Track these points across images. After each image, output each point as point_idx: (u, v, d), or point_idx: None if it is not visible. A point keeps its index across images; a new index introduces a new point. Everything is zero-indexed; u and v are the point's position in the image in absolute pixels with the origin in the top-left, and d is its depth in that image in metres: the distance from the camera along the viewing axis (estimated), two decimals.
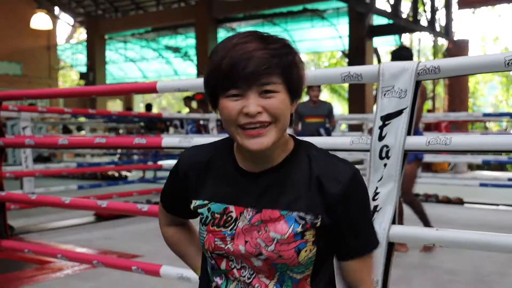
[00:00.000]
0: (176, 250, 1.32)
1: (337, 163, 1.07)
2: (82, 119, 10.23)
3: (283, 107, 1.01)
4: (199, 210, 1.12)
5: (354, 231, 1.08)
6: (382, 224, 1.73)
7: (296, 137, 1.15)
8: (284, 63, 1.01)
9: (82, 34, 22.35)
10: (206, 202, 1.11)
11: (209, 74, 1.04)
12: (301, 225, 1.03)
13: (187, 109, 10.14)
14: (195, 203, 1.13)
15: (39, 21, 15.11)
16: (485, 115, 8.38)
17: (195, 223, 1.24)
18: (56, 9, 18.37)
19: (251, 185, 1.08)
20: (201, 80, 2.39)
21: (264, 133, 1.01)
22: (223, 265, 1.09)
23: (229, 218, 1.07)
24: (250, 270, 1.06)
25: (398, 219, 1.77)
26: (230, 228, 1.07)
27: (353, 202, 1.06)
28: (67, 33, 22.26)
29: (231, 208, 1.08)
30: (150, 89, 2.54)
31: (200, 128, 8.88)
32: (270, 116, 1.00)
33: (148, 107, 11.89)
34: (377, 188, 1.75)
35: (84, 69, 18.53)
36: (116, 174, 9.62)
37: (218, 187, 1.11)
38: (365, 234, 1.10)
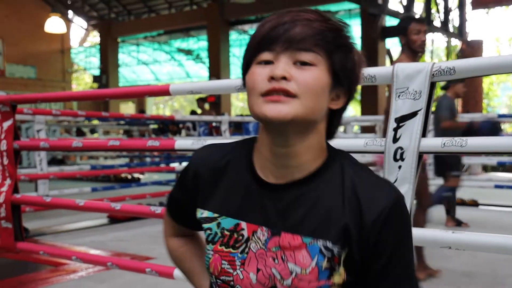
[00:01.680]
0: (182, 266, 1.12)
1: (379, 184, 0.88)
2: (95, 121, 10.30)
3: (317, 84, 0.85)
4: (206, 225, 0.94)
5: (386, 270, 0.85)
6: None
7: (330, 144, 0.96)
8: (338, 41, 0.87)
9: (95, 37, 22.52)
10: (216, 215, 0.93)
11: (249, 41, 0.90)
12: (326, 259, 0.84)
13: (200, 110, 10.18)
14: (202, 213, 0.96)
15: (53, 25, 15.26)
16: (500, 116, 8.27)
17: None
18: (70, 13, 18.53)
19: (270, 198, 0.89)
20: (213, 83, 2.40)
21: (286, 101, 0.83)
22: None
23: (240, 237, 0.90)
24: None
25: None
26: (240, 250, 0.89)
27: (391, 234, 0.85)
28: (80, 37, 22.43)
29: (243, 225, 0.90)
30: (163, 91, 2.55)
31: (212, 130, 8.90)
32: (297, 87, 0.83)
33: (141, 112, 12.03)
34: None
35: (97, 72, 18.65)
36: (129, 177, 9.67)
37: (230, 198, 0.93)
38: (400, 276, 0.86)
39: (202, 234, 1.01)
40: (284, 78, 0.83)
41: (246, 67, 0.90)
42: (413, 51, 3.27)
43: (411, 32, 3.26)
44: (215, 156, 0.98)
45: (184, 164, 9.82)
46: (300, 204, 0.87)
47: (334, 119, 0.94)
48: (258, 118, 0.86)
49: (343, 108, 0.94)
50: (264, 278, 0.87)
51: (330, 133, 0.95)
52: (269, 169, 0.91)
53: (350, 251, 0.85)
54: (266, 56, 0.86)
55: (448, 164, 4.76)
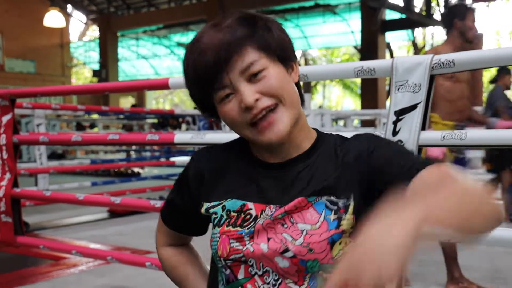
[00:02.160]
0: (175, 273, 1.09)
1: (360, 135, 0.96)
2: (95, 116, 10.30)
3: (281, 81, 0.88)
4: (212, 210, 0.94)
5: (397, 160, 0.87)
6: None
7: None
8: (245, 35, 0.87)
9: (94, 31, 22.47)
10: (220, 201, 0.94)
11: (189, 92, 0.93)
12: (333, 211, 0.87)
13: None
14: (207, 205, 0.96)
15: (52, 19, 15.22)
16: None
17: (198, 245, 1.12)
18: (69, 7, 18.48)
19: (273, 177, 0.93)
20: None
21: (275, 119, 0.87)
22: (241, 274, 0.90)
23: (248, 217, 0.91)
24: (275, 274, 0.88)
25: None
26: (248, 227, 0.90)
27: (379, 148, 0.90)
28: (79, 31, 22.39)
29: (250, 205, 0.91)
30: (162, 85, 2.55)
31: (212, 124, 8.90)
32: (271, 98, 0.87)
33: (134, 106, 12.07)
34: None
35: (96, 67, 18.64)
36: (129, 171, 9.68)
37: (234, 184, 0.95)
38: (411, 158, 0.88)
39: (197, 243, 1.05)
40: (256, 100, 0.86)
41: (201, 105, 0.94)
42: (464, 39, 3.00)
43: (470, 19, 2.99)
44: (214, 154, 1.01)
45: (185, 158, 9.83)
46: (301, 177, 0.91)
47: (298, 88, 0.97)
48: (261, 144, 0.91)
49: (298, 75, 0.98)
50: (275, 244, 0.87)
51: (302, 100, 0.98)
52: (268, 153, 0.95)
53: (355, 197, 0.88)
54: (222, 93, 0.88)
55: (509, 159, 4.46)
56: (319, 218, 0.87)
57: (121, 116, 9.75)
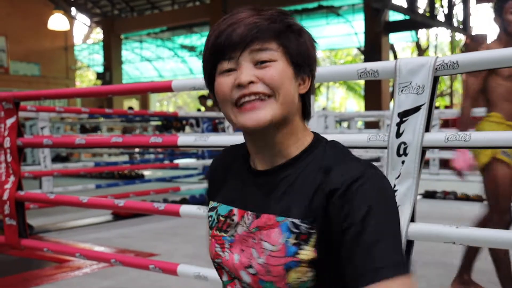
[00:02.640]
0: None
1: (352, 162, 0.87)
2: (100, 119, 10.33)
3: (282, 77, 0.87)
4: (209, 213, 1.00)
5: (362, 243, 0.77)
6: (400, 222, 1.70)
7: (320, 134, 1.00)
8: (278, 27, 0.88)
9: (98, 34, 22.54)
10: (217, 204, 0.99)
11: (203, 54, 0.93)
12: (295, 236, 0.84)
13: (203, 107, 10.18)
14: (210, 205, 1.02)
15: (56, 22, 15.28)
16: None
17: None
18: (73, 10, 18.54)
19: (257, 184, 0.93)
20: None
21: (260, 107, 0.86)
22: (225, 276, 0.95)
23: (231, 222, 0.94)
24: (240, 287, 0.91)
25: None
26: (229, 234, 0.94)
27: (359, 203, 0.80)
28: (83, 34, 22.48)
29: (235, 211, 0.94)
30: (166, 87, 2.55)
31: (216, 127, 8.90)
32: (267, 87, 0.87)
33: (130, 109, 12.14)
34: (394, 186, 1.73)
35: (100, 69, 18.70)
36: (133, 173, 9.69)
37: (229, 189, 0.99)
38: (379, 250, 0.77)
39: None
40: (251, 82, 0.86)
41: (208, 79, 0.94)
42: (509, 35, 2.79)
43: (508, 11, 2.78)
44: (227, 155, 1.06)
45: (188, 160, 9.84)
46: (280, 187, 0.90)
47: (305, 101, 0.96)
48: (238, 127, 0.90)
49: (310, 89, 0.97)
50: (244, 258, 0.89)
51: (306, 113, 0.97)
52: (258, 159, 0.95)
53: (321, 228, 0.84)
54: (226, 65, 0.89)
55: None
56: (279, 241, 0.85)
57: (123, 119, 9.78)
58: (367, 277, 0.75)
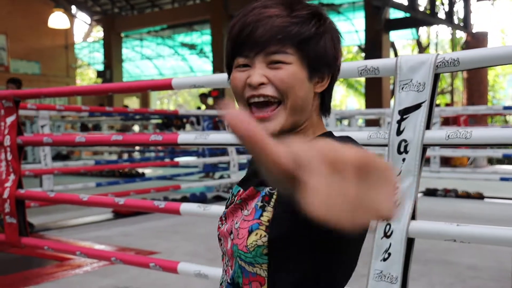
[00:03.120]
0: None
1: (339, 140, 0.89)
2: (101, 117, 10.32)
3: (293, 81, 0.87)
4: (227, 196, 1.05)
5: None
6: (401, 219, 1.70)
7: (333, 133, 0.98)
8: (303, 34, 0.87)
9: (99, 32, 22.53)
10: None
11: (226, 43, 0.94)
12: (261, 199, 0.88)
13: (203, 105, 10.17)
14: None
15: (57, 20, 15.29)
16: (506, 108, 8.23)
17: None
18: (73, 8, 18.54)
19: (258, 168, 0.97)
20: (216, 76, 2.38)
21: (271, 117, 0.88)
22: (220, 251, 1.00)
23: (234, 200, 0.98)
24: (227, 256, 0.95)
25: None
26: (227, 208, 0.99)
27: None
28: (84, 32, 22.45)
29: (241, 190, 0.97)
30: (166, 85, 2.54)
31: (216, 125, 8.90)
32: (276, 90, 0.87)
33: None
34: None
35: (101, 67, 18.69)
36: (134, 171, 9.70)
37: (246, 174, 1.02)
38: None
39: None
40: (261, 83, 0.87)
41: (227, 65, 0.95)
42: None
43: None
44: None
45: (189, 158, 9.82)
46: None
47: (324, 97, 0.96)
48: None
49: (331, 86, 0.96)
50: (230, 226, 0.93)
51: (325, 110, 0.97)
52: None
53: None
54: (241, 61, 0.90)
55: None
56: (252, 205, 0.89)
57: (124, 117, 9.77)
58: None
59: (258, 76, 0.87)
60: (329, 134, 0.97)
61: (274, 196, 0.87)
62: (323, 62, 0.91)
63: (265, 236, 0.85)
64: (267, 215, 0.86)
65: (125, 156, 11.22)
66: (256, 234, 0.85)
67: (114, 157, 11.94)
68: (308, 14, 0.89)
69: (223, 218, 0.98)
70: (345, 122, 11.22)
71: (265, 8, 0.88)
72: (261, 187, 0.90)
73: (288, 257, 0.85)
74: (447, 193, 6.61)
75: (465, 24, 13.56)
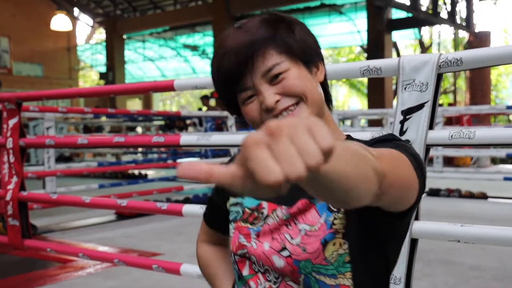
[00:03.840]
0: (207, 271, 1.13)
1: (378, 139, 0.91)
2: (103, 118, 10.32)
3: (301, 81, 0.89)
4: (232, 209, 0.99)
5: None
6: None
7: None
8: (266, 37, 0.88)
9: (101, 34, 22.56)
10: (241, 200, 0.98)
11: (216, 89, 0.96)
12: (333, 214, 0.86)
13: (205, 107, 10.17)
14: (232, 201, 1.01)
15: (59, 22, 15.30)
16: (509, 107, 8.20)
17: None
18: (76, 11, 18.57)
19: None
20: None
21: (293, 114, 0.88)
22: (245, 271, 0.93)
23: (260, 215, 0.94)
24: (275, 273, 0.90)
25: None
26: (257, 226, 0.93)
27: (379, 143, 0.85)
28: (86, 34, 22.49)
29: (264, 204, 0.94)
30: (168, 87, 2.54)
31: (219, 126, 8.90)
32: (292, 97, 0.88)
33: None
34: None
35: (103, 69, 18.71)
36: (136, 173, 9.70)
37: None
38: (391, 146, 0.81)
39: None
40: (276, 101, 0.88)
41: (228, 103, 0.96)
42: None
43: None
44: None
45: (192, 160, 9.83)
46: None
47: (325, 88, 0.98)
48: None
49: (325, 75, 0.98)
50: (276, 243, 0.89)
51: (328, 100, 0.99)
52: None
53: None
54: (244, 95, 0.90)
55: None
56: (319, 220, 0.86)
57: (127, 119, 9.78)
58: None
59: (271, 97, 0.87)
60: (350, 136, 1.00)
61: None
62: (310, 51, 0.93)
63: (344, 243, 0.84)
64: (339, 222, 0.85)
65: (123, 158, 11.21)
66: (334, 244, 0.84)
67: (115, 159, 11.94)
68: (259, 22, 0.90)
69: (252, 236, 0.92)
70: (348, 122, 11.20)
71: (225, 41, 0.90)
72: (315, 198, 0.88)
73: (367, 258, 0.86)
74: (450, 193, 6.59)
75: (468, 24, 13.53)
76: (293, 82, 0.88)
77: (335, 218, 0.85)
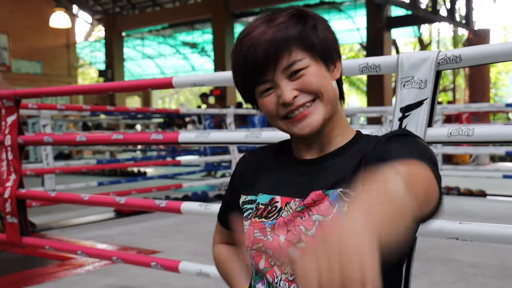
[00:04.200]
0: (222, 269, 1.16)
1: (393, 135, 0.91)
2: (102, 116, 10.31)
3: (319, 79, 0.91)
4: (246, 206, 1.01)
5: (390, 152, 0.84)
6: None
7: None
8: (295, 34, 0.90)
9: (100, 31, 22.53)
10: (256, 196, 1.00)
11: (234, 80, 0.98)
12: (347, 204, 0.88)
13: (205, 105, 10.16)
14: (244, 198, 1.03)
15: (58, 19, 15.28)
16: (508, 105, 8.20)
17: None
18: (75, 8, 18.54)
19: (303, 173, 0.97)
20: (217, 75, 2.37)
21: (310, 112, 0.91)
22: (262, 264, 0.95)
23: (273, 209, 0.96)
24: (280, 273, 0.92)
25: None
26: (272, 219, 0.95)
27: (390, 145, 0.86)
28: (85, 31, 22.46)
29: (278, 198, 0.97)
30: (166, 84, 2.53)
31: (218, 124, 8.89)
32: (309, 94, 0.91)
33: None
34: None
35: (102, 67, 18.69)
36: (135, 170, 9.69)
37: (269, 180, 1.00)
38: (402, 153, 0.82)
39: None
40: (294, 97, 0.91)
41: (247, 96, 0.99)
42: None
43: None
44: (258, 155, 1.08)
45: (190, 157, 9.83)
46: (327, 172, 0.94)
47: (340, 85, 1.01)
48: (293, 135, 0.96)
49: (341, 71, 1.01)
50: (292, 236, 0.91)
51: (341, 96, 1.02)
52: (305, 150, 0.99)
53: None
54: (263, 87, 0.93)
55: None
56: (333, 210, 0.89)
57: (126, 117, 9.77)
58: (389, 160, 0.78)
59: (289, 92, 0.90)
60: (360, 133, 1.03)
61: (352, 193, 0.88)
62: (330, 49, 0.95)
63: None
64: None
65: (121, 156, 11.21)
66: None
67: (117, 156, 11.93)
68: (287, 18, 0.92)
69: (267, 230, 0.94)
70: (347, 120, 11.19)
71: (250, 33, 0.91)
72: (329, 190, 0.91)
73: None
74: (449, 190, 6.59)
75: (467, 22, 13.53)
76: (311, 79, 0.91)
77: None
